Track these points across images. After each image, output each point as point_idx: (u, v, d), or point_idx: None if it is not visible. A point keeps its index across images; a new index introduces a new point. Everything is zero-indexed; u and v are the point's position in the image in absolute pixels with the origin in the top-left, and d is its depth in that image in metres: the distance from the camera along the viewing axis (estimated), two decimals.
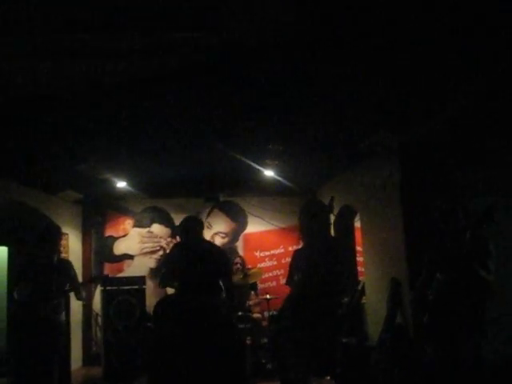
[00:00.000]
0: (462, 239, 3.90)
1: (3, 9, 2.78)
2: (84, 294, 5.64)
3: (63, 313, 5.29)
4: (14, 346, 5.10)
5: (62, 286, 5.26)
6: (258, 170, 6.58)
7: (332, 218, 4.27)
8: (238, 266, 7.93)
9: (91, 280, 5.78)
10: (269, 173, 6.80)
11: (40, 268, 5.19)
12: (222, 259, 5.14)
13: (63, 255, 7.66)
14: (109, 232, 8.64)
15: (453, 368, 3.77)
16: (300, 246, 4.43)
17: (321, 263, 4.13)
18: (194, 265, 4.74)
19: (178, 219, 8.63)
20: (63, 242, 7.68)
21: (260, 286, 8.13)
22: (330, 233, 4.22)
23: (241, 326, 6.85)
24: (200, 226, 5.47)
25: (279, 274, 8.65)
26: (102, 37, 3.13)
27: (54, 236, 5.44)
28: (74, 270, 5.51)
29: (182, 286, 4.59)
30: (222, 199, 8.57)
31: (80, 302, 7.93)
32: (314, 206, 4.53)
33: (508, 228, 4.86)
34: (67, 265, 5.52)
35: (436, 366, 3.92)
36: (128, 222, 8.68)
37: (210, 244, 6.07)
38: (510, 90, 3.94)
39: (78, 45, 3.20)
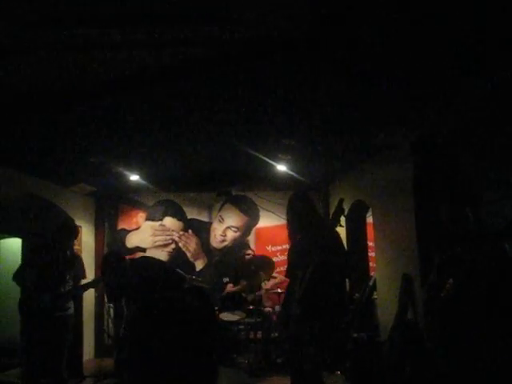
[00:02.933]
0: (478, 247, 3.84)
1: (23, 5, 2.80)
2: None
3: (71, 308, 5.33)
4: (23, 337, 5.14)
5: (71, 282, 5.31)
6: (271, 164, 6.57)
7: (343, 219, 4.22)
8: (250, 256, 7.95)
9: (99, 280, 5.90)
10: (281, 167, 6.79)
11: (49, 260, 5.21)
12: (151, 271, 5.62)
13: (76, 247, 7.74)
14: (121, 225, 8.69)
15: (467, 368, 3.71)
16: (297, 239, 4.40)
17: (315, 254, 4.09)
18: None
19: (190, 213, 8.70)
20: None
21: (271, 280, 8.13)
22: (323, 223, 4.17)
23: (251, 320, 6.88)
24: (114, 261, 5.67)
25: None
26: (115, 31, 3.14)
27: (70, 231, 5.48)
28: (82, 266, 5.54)
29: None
30: (234, 193, 8.57)
31: (93, 294, 8.01)
32: (300, 199, 4.46)
33: None
34: (77, 260, 5.55)
35: (447, 364, 3.88)
36: (140, 215, 8.72)
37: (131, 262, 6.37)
38: None
39: (91, 39, 3.22)
